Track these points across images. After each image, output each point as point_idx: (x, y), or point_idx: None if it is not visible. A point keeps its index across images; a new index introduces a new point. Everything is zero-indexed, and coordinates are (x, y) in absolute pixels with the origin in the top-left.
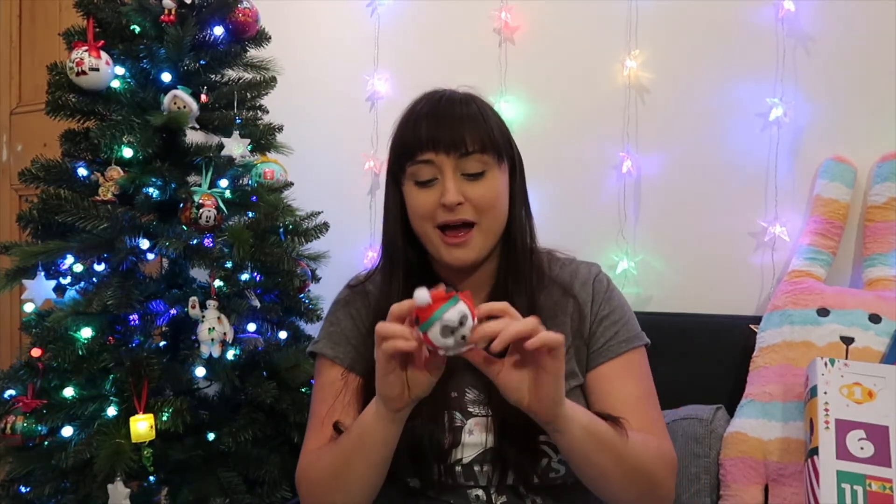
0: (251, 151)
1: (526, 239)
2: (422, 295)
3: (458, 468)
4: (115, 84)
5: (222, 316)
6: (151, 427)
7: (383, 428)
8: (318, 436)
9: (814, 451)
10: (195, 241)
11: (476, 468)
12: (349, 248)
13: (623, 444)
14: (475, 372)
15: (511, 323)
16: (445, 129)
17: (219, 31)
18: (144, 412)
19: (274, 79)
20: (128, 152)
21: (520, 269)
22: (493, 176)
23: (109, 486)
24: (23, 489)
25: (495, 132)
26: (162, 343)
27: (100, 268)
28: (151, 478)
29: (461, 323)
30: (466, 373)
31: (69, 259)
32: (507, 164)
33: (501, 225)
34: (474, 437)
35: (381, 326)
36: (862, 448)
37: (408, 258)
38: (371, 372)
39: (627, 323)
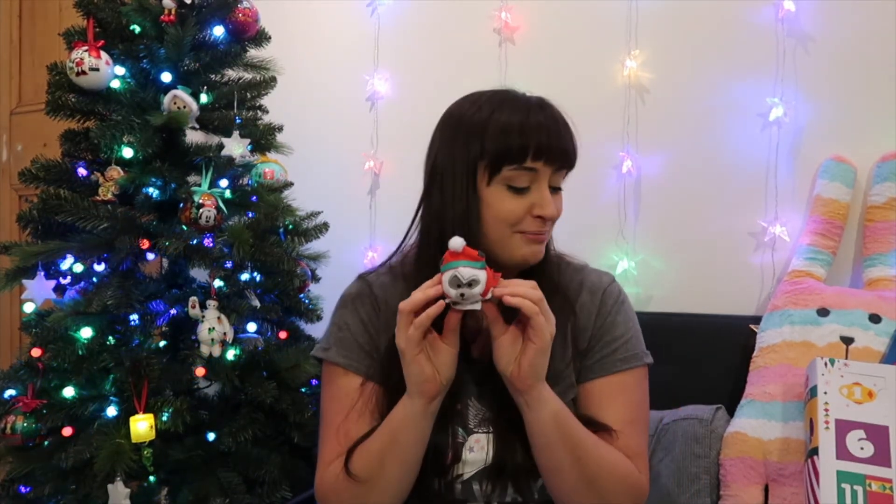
0: (251, 151)
1: (549, 246)
2: (457, 241)
3: (458, 485)
4: (115, 84)
5: (222, 316)
6: (151, 427)
7: (417, 424)
8: (335, 447)
9: (814, 451)
10: (195, 241)
11: (475, 486)
12: (349, 248)
13: (590, 449)
14: (480, 385)
15: (521, 286)
16: (560, 139)
17: (219, 31)
18: (144, 412)
19: (274, 79)
20: (128, 152)
21: (532, 276)
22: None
23: (109, 486)
24: (23, 489)
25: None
26: (162, 343)
27: (100, 268)
28: (151, 478)
29: (470, 284)
30: (472, 386)
31: (69, 259)
32: None
33: None
34: (475, 454)
35: (406, 303)
36: (862, 448)
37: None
38: (386, 376)
39: (629, 341)
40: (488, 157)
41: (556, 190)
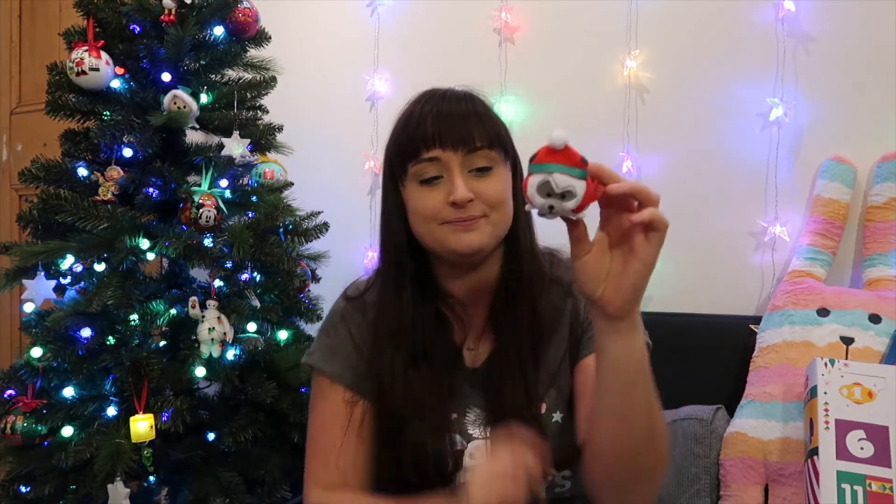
0: (251, 151)
1: (528, 241)
2: (560, 136)
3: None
4: (115, 84)
5: (222, 316)
6: (151, 427)
7: None
8: (326, 469)
9: (814, 452)
10: (195, 241)
11: None
12: (349, 248)
13: (656, 397)
14: (476, 391)
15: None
16: (452, 124)
17: (219, 31)
18: (144, 412)
19: (274, 79)
20: (128, 152)
21: (522, 274)
22: (500, 172)
23: (109, 486)
24: (23, 489)
25: (501, 129)
26: (162, 343)
27: (100, 268)
28: (151, 478)
29: (563, 196)
30: (467, 393)
31: (69, 259)
32: (510, 164)
33: (508, 223)
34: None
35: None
36: (862, 448)
37: (412, 267)
38: (382, 398)
39: None
40: (395, 160)
41: (483, 171)
